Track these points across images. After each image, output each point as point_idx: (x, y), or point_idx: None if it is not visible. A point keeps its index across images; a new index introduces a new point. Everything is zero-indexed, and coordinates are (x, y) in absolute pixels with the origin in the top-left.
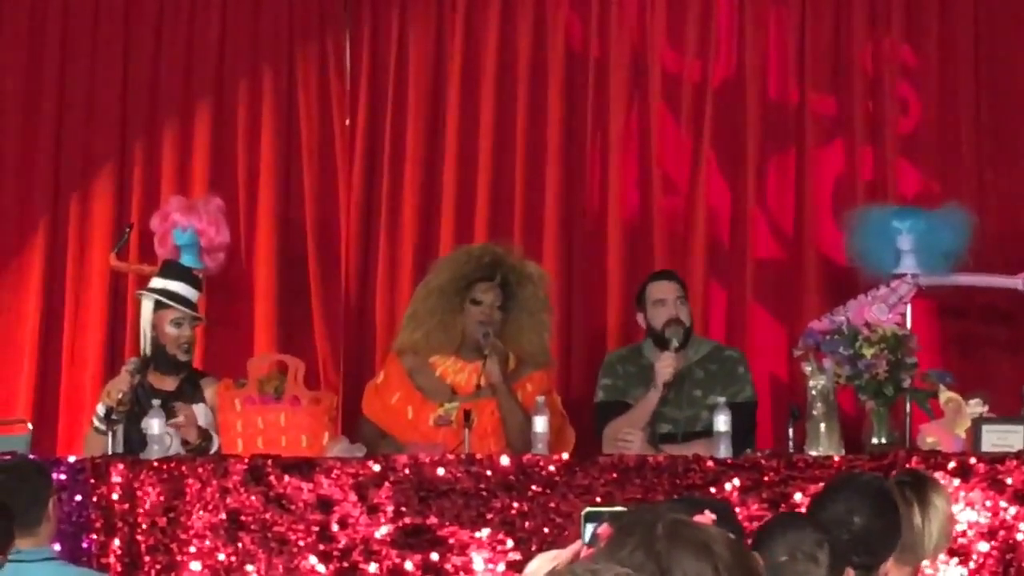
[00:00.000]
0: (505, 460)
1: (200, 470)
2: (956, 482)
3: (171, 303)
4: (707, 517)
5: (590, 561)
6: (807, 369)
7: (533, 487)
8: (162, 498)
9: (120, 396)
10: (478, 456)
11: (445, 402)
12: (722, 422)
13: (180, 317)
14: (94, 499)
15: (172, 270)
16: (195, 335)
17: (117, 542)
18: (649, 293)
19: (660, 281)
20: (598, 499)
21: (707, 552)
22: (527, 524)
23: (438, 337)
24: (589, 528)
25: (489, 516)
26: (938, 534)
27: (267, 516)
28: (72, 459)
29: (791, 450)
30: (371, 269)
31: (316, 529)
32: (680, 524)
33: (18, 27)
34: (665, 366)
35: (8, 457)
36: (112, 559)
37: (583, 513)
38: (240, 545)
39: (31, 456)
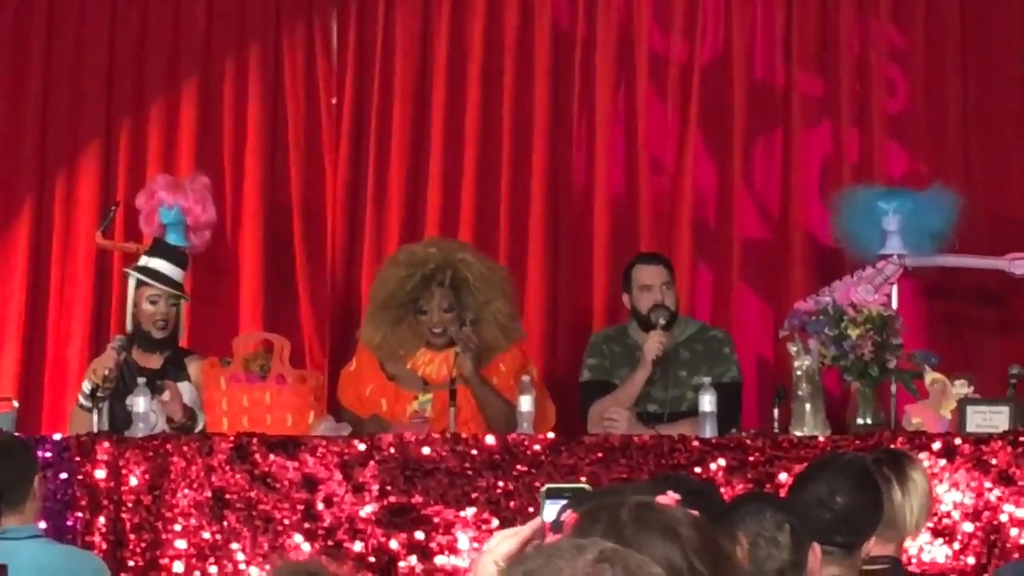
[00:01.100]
0: (490, 439)
1: (185, 448)
2: (941, 463)
3: (148, 280)
4: (670, 498)
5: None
6: (792, 350)
7: (518, 466)
8: (147, 476)
9: (106, 373)
10: (463, 435)
11: (419, 392)
12: (707, 402)
13: (156, 295)
14: (79, 477)
15: (156, 248)
16: (174, 312)
17: (102, 520)
18: (635, 276)
19: (646, 265)
20: (583, 479)
21: (674, 535)
22: (512, 503)
23: (397, 341)
24: (549, 505)
25: (474, 495)
26: (919, 509)
27: (252, 494)
28: (57, 437)
29: (776, 430)
30: (357, 247)
31: (301, 508)
32: (645, 508)
33: (3, 4)
34: (653, 343)
35: None
36: (97, 537)
37: (543, 489)
38: (225, 523)
39: (16, 434)
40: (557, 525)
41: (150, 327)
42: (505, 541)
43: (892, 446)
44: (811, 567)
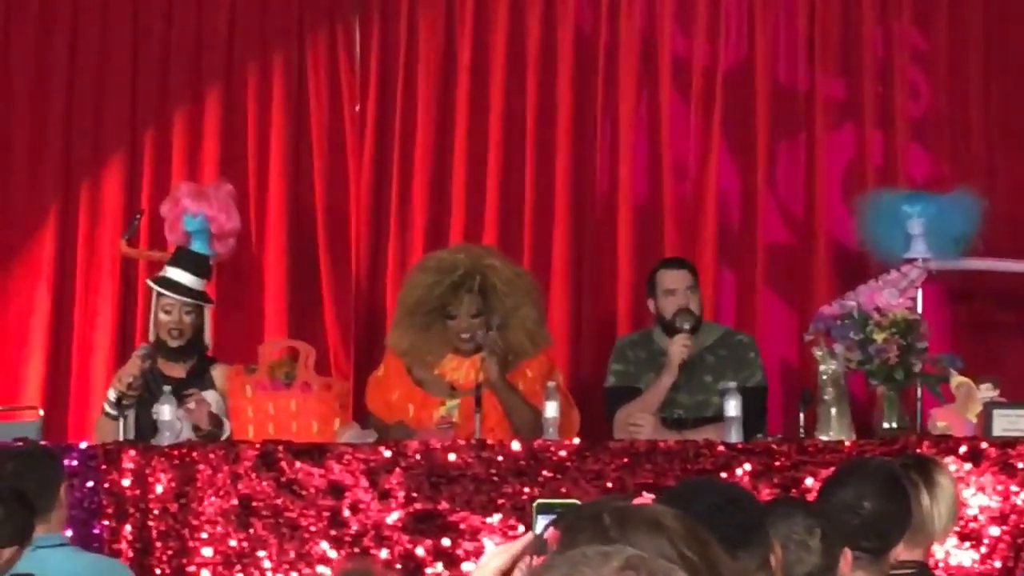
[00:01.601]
0: (516, 445)
1: (211, 456)
2: (967, 467)
3: (161, 290)
4: (646, 498)
5: (546, 562)
6: (818, 354)
7: (544, 472)
8: (173, 484)
9: (130, 381)
10: (489, 442)
11: (446, 398)
12: (732, 407)
13: (170, 304)
14: (105, 485)
15: (176, 257)
16: (191, 321)
17: (128, 528)
18: (660, 281)
19: (671, 270)
20: (609, 484)
21: (659, 527)
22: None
23: (425, 346)
24: (540, 520)
25: (500, 502)
26: (946, 514)
27: (278, 502)
28: (83, 445)
29: (802, 435)
30: (381, 255)
31: (327, 515)
32: (625, 509)
33: (28, 14)
34: (678, 347)
35: (20, 444)
36: (124, 545)
37: (535, 504)
38: (252, 531)
39: (42, 442)
40: (540, 546)
41: (166, 336)
42: (496, 557)
43: (918, 450)
44: (842, 572)
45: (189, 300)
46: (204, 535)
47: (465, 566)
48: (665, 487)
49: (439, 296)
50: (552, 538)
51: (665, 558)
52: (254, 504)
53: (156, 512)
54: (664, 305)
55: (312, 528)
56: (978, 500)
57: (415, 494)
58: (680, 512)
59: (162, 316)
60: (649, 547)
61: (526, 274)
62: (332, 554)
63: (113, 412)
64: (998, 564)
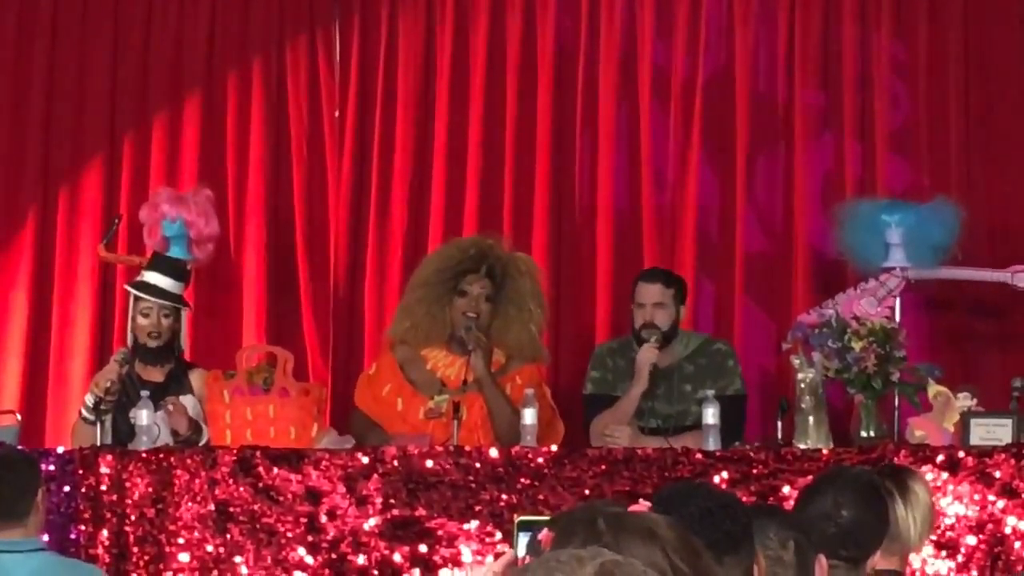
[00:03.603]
0: (494, 452)
1: (189, 461)
2: (944, 475)
3: (140, 293)
4: (642, 505)
5: (523, 565)
6: (796, 362)
7: (522, 479)
8: (150, 489)
9: (108, 386)
10: (467, 448)
11: (435, 395)
12: (711, 415)
13: (148, 307)
14: (82, 490)
15: (153, 262)
16: (168, 324)
17: (105, 533)
18: (635, 293)
19: (644, 283)
20: (587, 491)
21: (653, 536)
22: (515, 516)
23: (426, 328)
24: (523, 537)
25: (478, 508)
26: (922, 522)
27: (256, 507)
28: (61, 450)
29: (779, 443)
30: (360, 261)
31: (305, 520)
32: (620, 515)
33: (6, 17)
34: (643, 356)
35: None
36: (100, 550)
37: (516, 521)
38: (229, 536)
39: (19, 447)
40: (534, 547)
41: (144, 339)
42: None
43: (895, 459)
44: None
45: (167, 303)
46: (181, 540)
47: (443, 573)
48: (643, 494)
49: (458, 264)
50: (546, 540)
51: (657, 567)
52: (231, 510)
53: (133, 517)
54: (636, 316)
55: (289, 534)
56: (955, 509)
57: (392, 500)
58: (674, 520)
59: (140, 320)
60: (642, 555)
61: (542, 291)
62: (309, 560)
63: (90, 417)
64: (975, 574)
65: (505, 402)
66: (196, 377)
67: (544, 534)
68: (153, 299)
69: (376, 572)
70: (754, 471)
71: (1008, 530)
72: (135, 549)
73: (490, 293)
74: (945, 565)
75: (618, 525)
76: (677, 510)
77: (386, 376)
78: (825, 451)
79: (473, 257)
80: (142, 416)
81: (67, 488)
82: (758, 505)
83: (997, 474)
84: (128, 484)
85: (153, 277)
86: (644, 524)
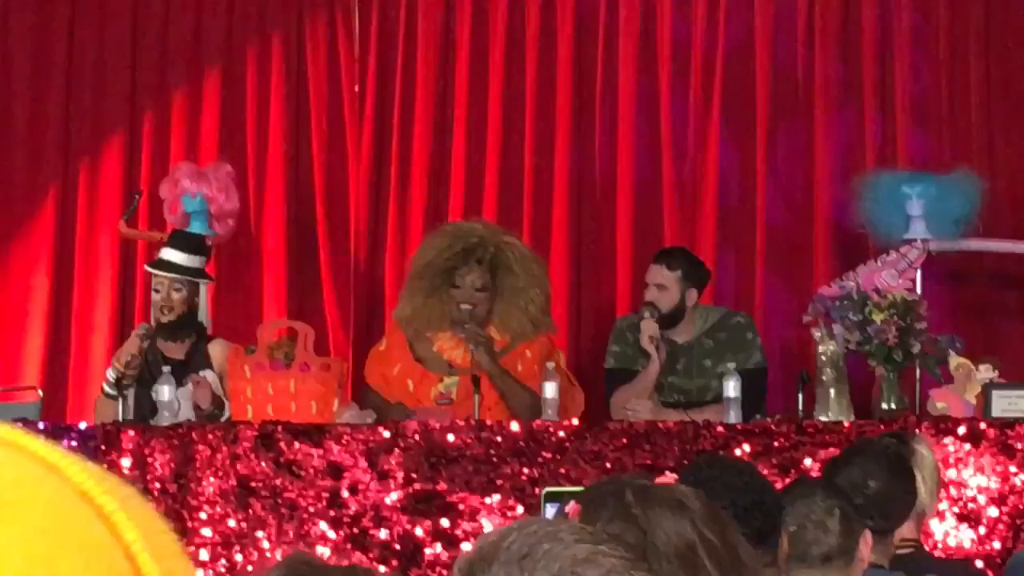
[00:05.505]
0: (515, 426)
1: (210, 436)
2: (966, 447)
3: (150, 269)
4: (669, 478)
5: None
6: (817, 335)
7: (544, 453)
8: (172, 465)
9: (128, 360)
10: (488, 422)
11: (444, 375)
12: (731, 388)
13: (159, 282)
14: (104, 466)
15: (170, 239)
16: (181, 298)
17: None
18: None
19: (652, 264)
20: (608, 465)
21: (682, 508)
22: (537, 490)
23: (427, 314)
24: (549, 508)
25: (499, 482)
26: (930, 480)
27: (277, 482)
28: (83, 426)
29: (801, 416)
30: (380, 235)
31: (326, 495)
32: (648, 488)
33: None
34: (644, 332)
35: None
36: None
37: (543, 493)
38: (250, 511)
39: (41, 423)
40: (561, 519)
41: (158, 314)
42: None
43: (917, 431)
44: (862, 554)
45: (177, 276)
46: (203, 515)
47: (464, 547)
48: (665, 467)
49: (448, 259)
50: (573, 512)
51: (686, 540)
52: (253, 485)
53: (155, 493)
54: (645, 295)
55: (311, 509)
56: (977, 481)
57: (414, 475)
58: (701, 493)
59: (153, 295)
60: (671, 527)
61: (540, 261)
62: (331, 535)
63: (112, 392)
64: (997, 545)
65: (518, 387)
66: (215, 348)
67: (572, 506)
68: (162, 273)
69: (398, 546)
70: (775, 444)
71: None
72: None
73: (485, 281)
74: (967, 536)
75: (646, 497)
76: (706, 485)
77: (396, 355)
78: (846, 423)
79: (467, 250)
80: (164, 392)
81: None
82: (804, 476)
83: (1019, 446)
84: (150, 459)
85: (167, 253)
86: (672, 496)
